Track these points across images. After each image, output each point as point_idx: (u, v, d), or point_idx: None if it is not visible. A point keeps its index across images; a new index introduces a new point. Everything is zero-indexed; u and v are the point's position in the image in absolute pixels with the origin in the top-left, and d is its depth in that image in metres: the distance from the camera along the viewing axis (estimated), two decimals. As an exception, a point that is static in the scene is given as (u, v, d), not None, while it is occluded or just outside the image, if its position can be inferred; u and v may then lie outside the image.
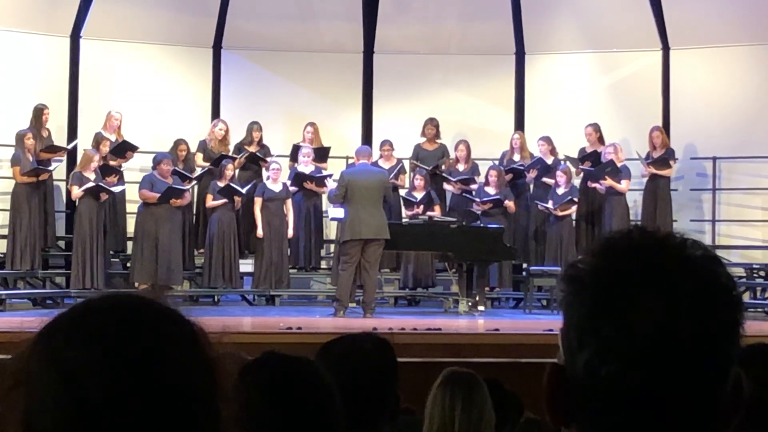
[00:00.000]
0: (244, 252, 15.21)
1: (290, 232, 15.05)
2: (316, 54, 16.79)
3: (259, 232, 14.88)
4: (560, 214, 14.96)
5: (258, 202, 14.90)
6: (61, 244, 15.31)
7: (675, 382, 1.32)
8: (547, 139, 15.52)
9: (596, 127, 15.50)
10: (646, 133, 15.34)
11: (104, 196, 14.31)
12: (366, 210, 13.10)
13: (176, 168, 14.81)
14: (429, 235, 14.05)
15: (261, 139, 15.59)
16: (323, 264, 15.89)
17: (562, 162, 15.37)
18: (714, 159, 15.84)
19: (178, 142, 15.30)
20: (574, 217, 15.23)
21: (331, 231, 15.85)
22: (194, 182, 15.09)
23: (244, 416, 1.43)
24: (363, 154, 13.82)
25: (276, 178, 14.97)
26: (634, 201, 15.56)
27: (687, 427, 1.34)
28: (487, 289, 14.60)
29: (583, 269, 1.39)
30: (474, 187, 15.29)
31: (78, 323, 1.37)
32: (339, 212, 13.40)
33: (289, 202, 15.10)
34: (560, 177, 15.01)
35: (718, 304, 1.35)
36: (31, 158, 14.21)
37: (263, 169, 15.30)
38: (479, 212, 14.96)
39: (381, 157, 15.55)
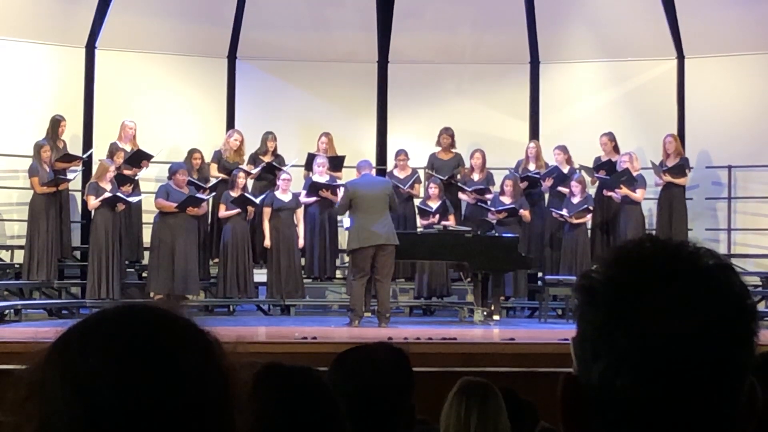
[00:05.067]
0: (259, 262, 15.22)
1: (301, 242, 15.08)
2: (330, 64, 16.81)
3: (267, 243, 14.91)
4: (575, 222, 14.94)
5: (267, 212, 14.92)
6: (77, 254, 15.35)
7: (689, 392, 1.32)
8: (563, 148, 15.50)
9: (611, 136, 15.49)
10: (661, 142, 15.32)
11: (121, 207, 14.34)
12: (373, 218, 13.11)
13: (191, 178, 14.84)
14: (444, 245, 14.05)
15: (276, 148, 15.61)
16: (338, 274, 15.89)
17: (577, 171, 15.34)
18: (729, 168, 15.81)
19: (193, 151, 15.32)
20: (589, 225, 15.21)
21: (345, 241, 15.83)
22: (211, 193, 15.09)
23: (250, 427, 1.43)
24: (364, 167, 13.92)
25: (286, 188, 15.00)
26: (649, 210, 15.53)
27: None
28: (502, 298, 14.59)
29: (596, 279, 1.39)
30: (489, 196, 15.28)
31: (92, 334, 1.37)
32: (348, 222, 13.48)
33: (300, 211, 15.13)
34: (575, 186, 14.99)
35: (732, 314, 1.35)
36: (48, 169, 14.26)
37: (278, 179, 15.32)
38: (494, 221, 14.95)
39: (396, 166, 15.58)
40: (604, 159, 15.38)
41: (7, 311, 13.84)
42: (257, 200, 14.87)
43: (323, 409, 2.39)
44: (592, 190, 15.33)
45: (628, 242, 1.41)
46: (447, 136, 15.77)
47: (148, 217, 15.06)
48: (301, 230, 15.13)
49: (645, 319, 1.33)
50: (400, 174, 15.42)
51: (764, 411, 1.37)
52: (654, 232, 14.75)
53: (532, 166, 15.59)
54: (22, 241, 14.49)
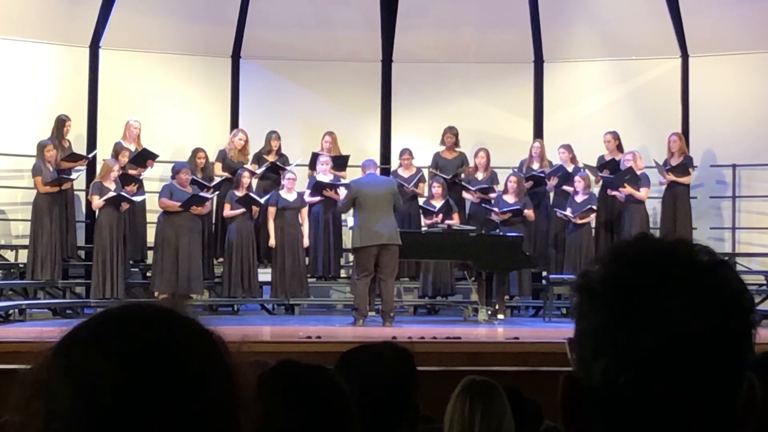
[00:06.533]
0: (263, 261, 15.23)
1: (306, 241, 15.07)
2: (334, 63, 16.81)
3: (272, 242, 14.91)
4: (579, 221, 14.93)
5: (272, 211, 14.92)
6: (81, 253, 15.35)
7: (689, 389, 1.33)
8: (568, 147, 15.48)
9: (615, 135, 15.47)
10: (665, 140, 15.30)
11: (125, 206, 14.35)
12: (376, 217, 13.13)
13: (195, 177, 14.85)
14: (448, 244, 14.05)
15: (280, 148, 15.61)
16: (342, 273, 15.89)
17: (582, 170, 15.32)
18: (733, 166, 15.79)
19: (197, 150, 15.35)
20: (593, 224, 15.20)
21: (349, 240, 15.83)
22: (215, 192, 15.12)
23: (260, 425, 1.44)
24: (369, 167, 13.96)
25: (291, 187, 15.00)
26: (654, 209, 15.51)
27: (702, 434, 1.34)
28: (506, 297, 14.58)
29: (594, 278, 1.39)
30: (493, 196, 15.27)
31: (96, 334, 1.38)
32: (351, 221, 13.48)
33: (304, 211, 15.13)
34: (578, 184, 14.97)
35: (729, 310, 1.35)
36: (51, 169, 14.27)
37: (282, 179, 15.31)
38: (498, 221, 14.94)
39: (401, 165, 15.57)
40: (607, 158, 15.37)
41: (11, 311, 13.86)
42: (262, 200, 14.88)
43: (336, 407, 2.39)
44: (596, 189, 15.31)
45: (623, 241, 1.42)
46: (451, 135, 15.76)
47: (152, 217, 15.07)
48: (305, 229, 15.12)
49: (644, 317, 1.33)
50: (404, 173, 15.42)
51: (764, 408, 1.38)
52: (658, 231, 14.77)
53: (536, 165, 15.57)
54: (27, 241, 14.49)
